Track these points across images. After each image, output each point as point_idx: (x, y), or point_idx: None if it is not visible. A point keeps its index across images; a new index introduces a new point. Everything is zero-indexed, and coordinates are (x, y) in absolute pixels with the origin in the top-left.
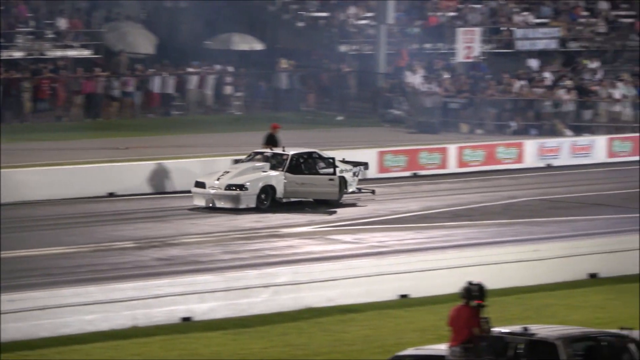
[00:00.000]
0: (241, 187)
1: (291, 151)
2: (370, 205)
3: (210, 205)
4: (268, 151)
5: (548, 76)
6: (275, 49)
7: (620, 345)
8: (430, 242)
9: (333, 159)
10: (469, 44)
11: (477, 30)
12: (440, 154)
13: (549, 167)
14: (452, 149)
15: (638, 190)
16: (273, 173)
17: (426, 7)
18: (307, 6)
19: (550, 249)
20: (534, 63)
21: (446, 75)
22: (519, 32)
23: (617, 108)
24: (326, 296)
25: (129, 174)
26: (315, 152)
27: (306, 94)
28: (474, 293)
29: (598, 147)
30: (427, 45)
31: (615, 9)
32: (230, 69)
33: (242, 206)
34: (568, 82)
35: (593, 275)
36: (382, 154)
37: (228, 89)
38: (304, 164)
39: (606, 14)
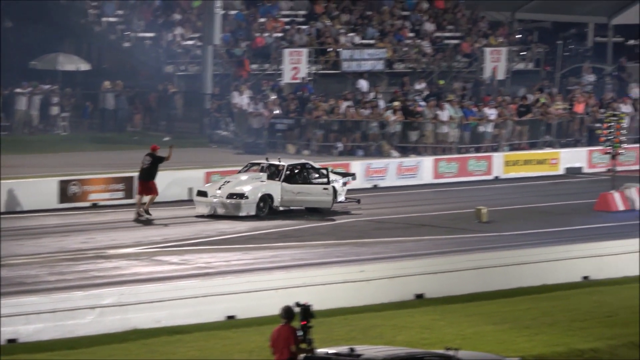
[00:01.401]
0: (242, 195)
1: (286, 162)
2: (198, 225)
3: (213, 212)
4: (264, 162)
5: (375, 97)
6: (102, 70)
7: None
8: (257, 263)
9: (327, 169)
10: (295, 65)
11: (304, 51)
12: None
13: (376, 188)
14: None
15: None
16: (271, 183)
17: (252, 27)
18: (133, 27)
19: (377, 269)
20: (363, 84)
21: (273, 96)
22: (345, 53)
23: (443, 129)
24: (153, 317)
25: None
26: (308, 163)
27: (133, 114)
28: (294, 313)
29: (424, 168)
30: (254, 66)
31: (440, 30)
32: (56, 89)
33: (243, 214)
34: (395, 104)
35: (419, 296)
36: (208, 174)
37: (54, 109)
38: (299, 174)
39: (432, 35)
